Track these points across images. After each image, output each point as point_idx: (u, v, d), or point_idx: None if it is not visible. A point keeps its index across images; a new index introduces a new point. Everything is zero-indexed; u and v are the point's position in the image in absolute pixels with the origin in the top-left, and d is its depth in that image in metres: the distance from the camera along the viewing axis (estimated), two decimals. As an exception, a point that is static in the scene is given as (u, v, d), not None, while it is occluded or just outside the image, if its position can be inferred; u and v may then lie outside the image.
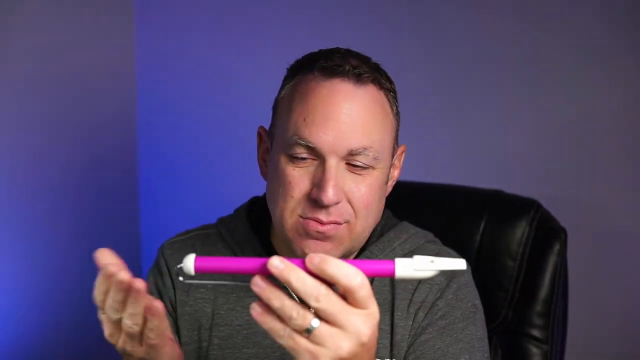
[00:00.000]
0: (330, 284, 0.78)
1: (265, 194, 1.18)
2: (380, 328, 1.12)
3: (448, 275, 1.15)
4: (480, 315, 1.16)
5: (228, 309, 1.16)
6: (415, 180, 1.53)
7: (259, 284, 0.78)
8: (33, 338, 1.76)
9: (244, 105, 1.96)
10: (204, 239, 1.24)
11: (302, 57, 1.14)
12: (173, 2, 2.07)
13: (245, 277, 0.81)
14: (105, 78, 1.96)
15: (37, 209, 1.78)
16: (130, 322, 0.88)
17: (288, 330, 0.77)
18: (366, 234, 1.12)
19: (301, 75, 1.09)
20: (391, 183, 1.18)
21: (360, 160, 1.05)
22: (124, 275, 0.84)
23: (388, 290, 1.14)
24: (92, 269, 2.09)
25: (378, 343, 1.11)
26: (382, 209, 1.14)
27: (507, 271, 1.35)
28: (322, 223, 1.05)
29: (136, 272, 2.15)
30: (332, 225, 1.06)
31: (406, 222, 1.22)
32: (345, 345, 0.77)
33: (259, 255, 1.17)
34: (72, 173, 1.87)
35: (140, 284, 0.84)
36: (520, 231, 1.36)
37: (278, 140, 1.10)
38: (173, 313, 1.19)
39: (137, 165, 2.10)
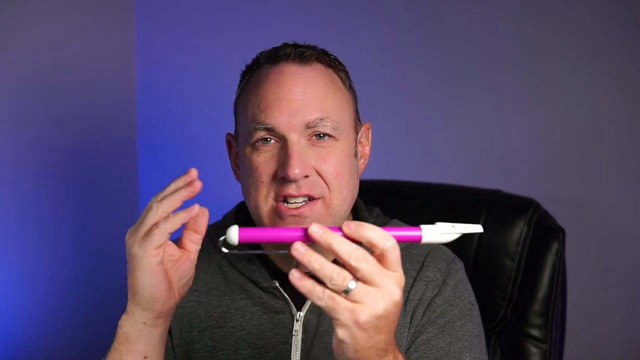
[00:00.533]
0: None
1: None
2: None
3: (444, 272, 1.15)
4: (476, 312, 1.17)
5: (222, 311, 1.17)
6: (414, 179, 1.53)
7: (299, 249, 0.81)
8: (32, 338, 1.76)
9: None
10: None
11: (251, 60, 1.17)
12: (173, 2, 2.07)
13: (279, 247, 0.86)
14: (105, 78, 1.97)
15: (36, 209, 1.78)
16: (158, 206, 0.94)
17: (327, 291, 0.81)
18: (345, 209, 1.13)
19: (250, 73, 1.15)
20: (363, 161, 1.19)
21: (320, 130, 1.08)
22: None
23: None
24: (92, 268, 2.09)
25: None
26: (357, 185, 1.15)
27: (505, 271, 1.36)
28: (294, 196, 1.07)
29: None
30: (307, 207, 1.08)
31: (396, 219, 1.23)
32: (382, 303, 0.81)
33: (250, 258, 1.18)
34: (72, 173, 1.88)
35: (198, 185, 0.99)
36: (518, 231, 1.36)
37: (241, 136, 1.13)
38: None
39: (137, 165, 2.10)
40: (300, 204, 1.08)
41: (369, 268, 0.80)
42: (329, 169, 1.09)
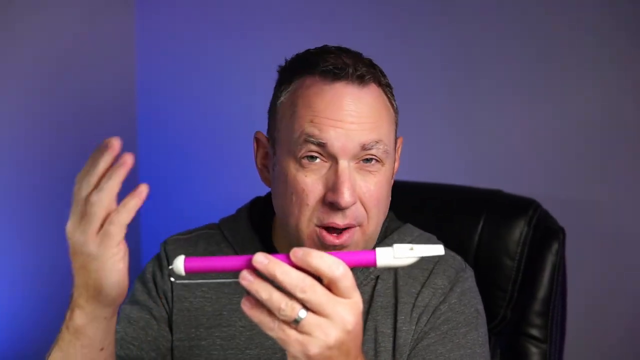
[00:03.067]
0: (315, 277, 0.80)
1: (268, 194, 1.18)
2: (382, 332, 1.12)
3: (452, 280, 1.15)
4: (482, 321, 1.16)
5: (231, 309, 1.16)
6: (414, 180, 1.53)
7: (247, 277, 0.79)
8: (31, 338, 1.77)
9: (244, 104, 1.96)
10: (208, 238, 1.24)
11: (294, 59, 1.13)
12: (173, 2, 2.07)
13: (235, 275, 0.82)
14: (105, 78, 1.97)
15: (36, 209, 1.78)
16: (101, 195, 0.85)
17: (277, 322, 0.79)
18: (377, 234, 1.12)
19: (299, 79, 1.09)
20: (393, 176, 1.18)
21: (373, 154, 1.05)
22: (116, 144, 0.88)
23: (392, 294, 1.14)
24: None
25: (381, 346, 1.11)
26: (389, 204, 1.14)
27: (505, 271, 1.36)
28: (338, 226, 1.05)
29: (136, 271, 2.15)
30: (347, 236, 1.06)
31: (410, 224, 1.22)
32: (333, 333, 0.79)
33: None
34: (72, 173, 1.87)
35: (130, 158, 0.87)
36: (518, 231, 1.36)
37: (283, 144, 1.08)
38: (167, 306, 1.19)
39: (137, 165, 2.10)
40: (339, 232, 1.06)
41: (318, 298, 0.78)
42: (371, 196, 1.06)
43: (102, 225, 0.84)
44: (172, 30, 2.07)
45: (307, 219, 1.06)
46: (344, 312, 0.79)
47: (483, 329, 1.15)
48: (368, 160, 1.06)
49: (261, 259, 0.79)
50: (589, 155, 1.71)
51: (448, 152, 1.83)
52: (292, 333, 0.79)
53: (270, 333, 0.79)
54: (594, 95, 1.70)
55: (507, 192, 1.44)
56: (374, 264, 0.82)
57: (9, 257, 1.72)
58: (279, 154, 1.09)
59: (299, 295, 0.78)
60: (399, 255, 0.81)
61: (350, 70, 1.06)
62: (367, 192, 1.06)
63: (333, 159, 1.05)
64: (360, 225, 1.07)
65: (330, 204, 1.04)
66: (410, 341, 1.11)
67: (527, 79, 1.75)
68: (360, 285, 1.14)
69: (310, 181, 1.05)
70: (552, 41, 1.72)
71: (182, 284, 1.19)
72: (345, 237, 1.06)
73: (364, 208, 1.07)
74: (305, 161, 1.05)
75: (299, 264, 0.79)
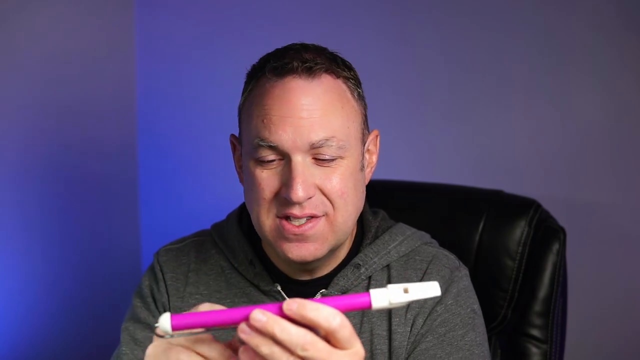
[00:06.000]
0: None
1: None
2: (378, 334, 1.12)
3: (447, 280, 1.14)
4: (479, 320, 1.15)
5: None
6: (415, 180, 1.53)
7: (246, 331, 0.76)
8: (31, 338, 1.76)
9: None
10: (198, 247, 1.24)
11: (257, 61, 1.14)
12: (173, 2, 2.07)
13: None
14: (105, 78, 1.97)
15: (36, 209, 1.78)
16: None
17: None
18: (350, 224, 1.11)
19: (255, 79, 1.10)
20: (370, 170, 1.17)
21: (324, 152, 1.05)
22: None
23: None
24: (92, 270, 2.09)
25: (377, 349, 1.11)
26: (363, 197, 1.13)
27: (506, 271, 1.36)
28: (297, 217, 1.05)
29: (136, 271, 2.16)
30: (309, 225, 1.06)
31: (402, 223, 1.21)
32: None
33: (251, 260, 1.17)
34: (72, 173, 1.88)
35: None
36: (519, 231, 1.36)
37: (245, 146, 1.10)
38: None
39: (137, 165, 2.10)
40: (302, 222, 1.06)
41: (319, 355, 0.75)
42: (333, 188, 1.06)
43: None
44: (172, 30, 2.06)
45: (266, 210, 1.07)
46: None
47: (480, 328, 1.15)
48: (323, 158, 1.06)
49: (259, 317, 0.75)
50: (590, 155, 1.71)
51: (449, 152, 1.83)
52: None
53: None
54: (595, 95, 1.70)
55: (508, 192, 1.44)
56: (370, 307, 0.78)
57: (7, 257, 1.71)
58: (244, 155, 1.12)
59: (301, 353, 0.75)
60: (395, 298, 0.77)
61: (296, 64, 1.06)
62: (328, 184, 1.06)
63: (287, 156, 1.05)
64: (325, 214, 1.07)
65: (285, 199, 1.05)
66: (406, 343, 1.11)
67: (529, 79, 1.75)
68: (352, 286, 1.15)
69: (266, 176, 1.07)
70: (553, 41, 1.72)
71: (177, 296, 1.19)
72: (306, 227, 1.06)
73: (328, 199, 1.07)
74: (262, 161, 1.07)
75: (294, 317, 0.75)
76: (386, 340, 1.11)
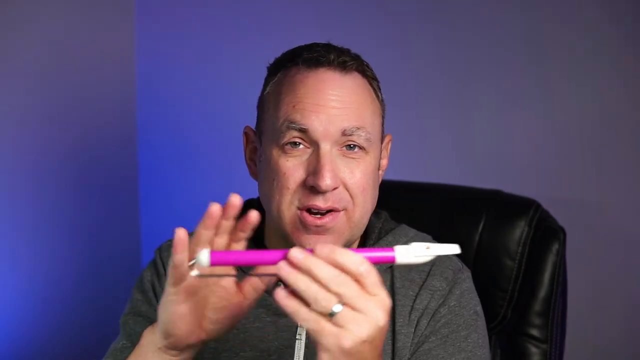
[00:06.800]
0: None
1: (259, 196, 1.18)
2: None
3: (450, 281, 1.14)
4: (481, 322, 1.15)
5: None
6: (414, 180, 1.53)
7: (285, 268, 0.80)
8: (31, 338, 1.76)
9: (244, 105, 1.95)
10: None
11: (282, 55, 1.15)
12: (173, 2, 2.07)
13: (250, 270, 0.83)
14: (105, 78, 1.97)
15: (36, 209, 1.78)
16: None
17: (313, 313, 0.79)
18: (365, 221, 1.12)
19: (284, 70, 1.11)
20: (381, 172, 1.18)
21: (354, 140, 1.06)
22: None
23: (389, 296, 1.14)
24: (91, 269, 2.09)
25: None
26: (377, 196, 1.14)
27: (506, 271, 1.36)
28: (320, 209, 1.06)
29: (136, 271, 2.16)
30: (330, 217, 1.07)
31: (405, 225, 1.22)
32: (366, 328, 0.80)
33: None
34: (72, 173, 1.88)
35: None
36: (519, 231, 1.36)
37: (268, 134, 1.10)
38: None
39: (137, 165, 2.10)
40: (323, 214, 1.07)
41: (351, 293, 0.79)
42: (356, 182, 1.07)
43: None
44: (172, 30, 2.06)
45: (289, 201, 1.07)
46: (375, 308, 0.80)
47: (482, 330, 1.15)
48: (351, 147, 1.07)
49: (297, 254, 0.80)
50: (590, 155, 1.71)
51: (448, 153, 1.83)
52: (326, 325, 0.79)
53: (304, 324, 0.80)
54: (595, 95, 1.70)
55: (508, 192, 1.44)
56: (393, 261, 0.83)
57: (7, 257, 1.71)
58: (265, 144, 1.11)
59: (335, 288, 0.79)
60: (418, 253, 0.83)
61: (332, 57, 1.08)
62: (351, 178, 1.07)
63: (315, 144, 1.06)
64: (345, 209, 1.08)
65: (312, 187, 1.05)
66: (409, 344, 1.11)
67: (528, 80, 1.75)
68: None
69: (292, 165, 1.07)
70: (551, 42, 1.72)
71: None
72: (327, 219, 1.07)
73: (349, 194, 1.08)
74: (288, 147, 1.07)
75: (325, 260, 0.80)
76: (390, 341, 1.11)
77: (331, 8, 1.91)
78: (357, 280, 0.80)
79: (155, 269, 1.23)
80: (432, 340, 1.10)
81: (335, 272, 0.79)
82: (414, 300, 1.12)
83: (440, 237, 1.24)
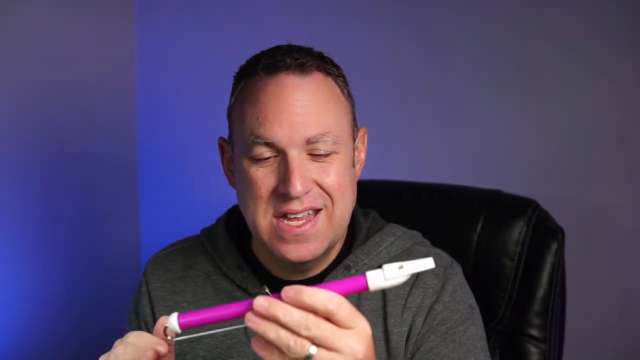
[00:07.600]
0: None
1: None
2: (374, 335, 1.12)
3: (441, 278, 1.14)
4: (477, 315, 1.16)
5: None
6: (412, 180, 1.53)
7: (253, 320, 0.79)
8: (31, 338, 1.77)
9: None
10: (186, 252, 1.24)
11: (245, 62, 1.14)
12: (173, 3, 2.07)
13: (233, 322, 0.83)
14: (105, 78, 1.97)
15: (36, 210, 1.78)
16: None
17: None
18: (347, 217, 1.12)
19: (246, 79, 1.10)
20: (359, 167, 1.17)
21: (320, 147, 1.06)
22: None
23: (379, 296, 1.14)
24: (92, 270, 2.09)
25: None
26: (355, 191, 1.14)
27: (504, 271, 1.36)
28: (297, 212, 1.05)
29: (136, 272, 2.16)
30: (309, 225, 1.07)
31: (393, 224, 1.21)
32: None
33: (240, 265, 1.17)
34: (72, 174, 1.88)
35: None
36: (518, 231, 1.36)
37: (238, 146, 1.10)
38: (145, 329, 1.20)
39: (137, 166, 2.10)
40: (301, 221, 1.07)
41: (323, 333, 0.78)
42: (330, 182, 1.07)
43: None
44: (171, 31, 2.07)
45: (263, 210, 1.07)
46: (352, 343, 0.79)
47: (479, 323, 1.15)
48: (319, 153, 1.06)
49: (262, 303, 0.78)
50: (589, 155, 1.71)
51: (447, 152, 1.83)
52: None
53: None
54: (594, 95, 1.70)
55: (507, 192, 1.44)
56: (367, 289, 0.81)
57: (7, 257, 1.72)
58: (236, 155, 1.11)
59: (305, 333, 0.77)
60: (390, 275, 0.80)
61: (289, 60, 1.07)
62: (325, 178, 1.07)
63: (282, 152, 1.05)
64: (325, 207, 1.08)
65: (283, 195, 1.05)
66: (404, 343, 1.11)
67: (527, 79, 1.75)
68: None
69: (262, 174, 1.06)
70: (552, 40, 1.72)
71: (164, 305, 1.20)
72: (306, 227, 1.07)
73: (326, 193, 1.07)
74: (258, 159, 1.07)
75: (292, 303, 0.78)
76: (382, 342, 1.12)
77: (330, 9, 1.91)
78: (327, 318, 0.78)
79: (140, 285, 1.25)
80: (431, 339, 1.11)
81: (303, 314, 0.78)
82: (406, 299, 1.12)
83: (439, 237, 1.25)
